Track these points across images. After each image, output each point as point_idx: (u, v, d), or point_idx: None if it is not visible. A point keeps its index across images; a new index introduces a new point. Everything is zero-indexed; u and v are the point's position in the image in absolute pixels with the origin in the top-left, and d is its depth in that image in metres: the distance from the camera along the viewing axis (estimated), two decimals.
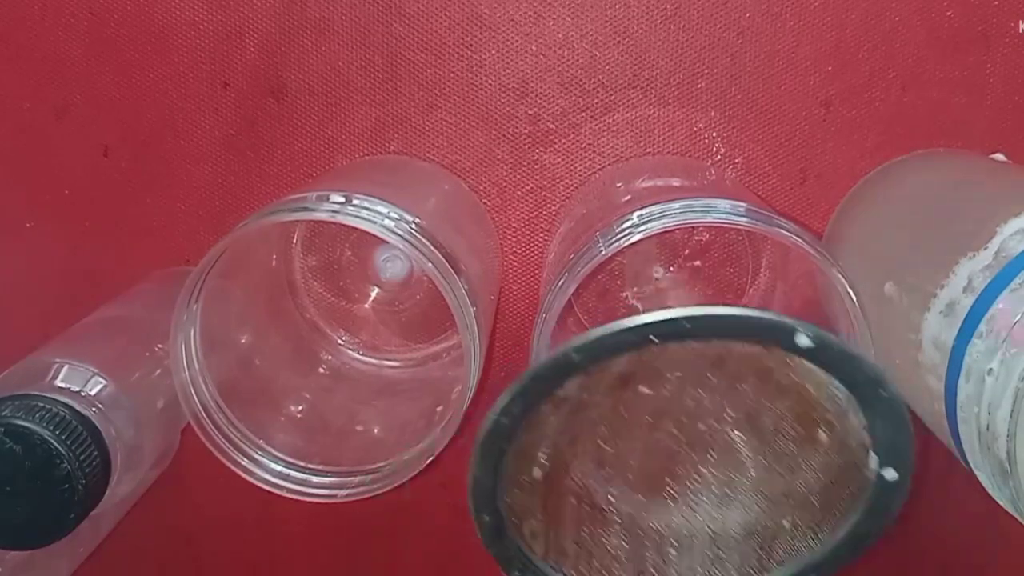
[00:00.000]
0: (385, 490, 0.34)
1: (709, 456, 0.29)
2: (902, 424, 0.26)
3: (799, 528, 0.29)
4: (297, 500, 0.35)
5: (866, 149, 0.41)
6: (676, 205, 0.31)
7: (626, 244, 0.31)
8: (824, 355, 0.26)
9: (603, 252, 0.31)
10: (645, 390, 0.29)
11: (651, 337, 0.26)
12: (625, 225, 0.31)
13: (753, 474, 0.29)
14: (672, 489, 0.30)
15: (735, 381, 0.28)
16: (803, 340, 0.25)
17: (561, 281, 0.32)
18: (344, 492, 0.35)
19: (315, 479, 0.36)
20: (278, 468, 0.35)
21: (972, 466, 0.29)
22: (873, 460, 0.27)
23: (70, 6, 0.41)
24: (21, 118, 0.42)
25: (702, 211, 0.31)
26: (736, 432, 0.29)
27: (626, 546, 0.30)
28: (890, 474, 0.27)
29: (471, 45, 0.40)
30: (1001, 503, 0.28)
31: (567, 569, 0.30)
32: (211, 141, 0.42)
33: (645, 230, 0.31)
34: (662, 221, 0.31)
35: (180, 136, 0.42)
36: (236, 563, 0.47)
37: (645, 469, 0.30)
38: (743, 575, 0.30)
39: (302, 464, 0.36)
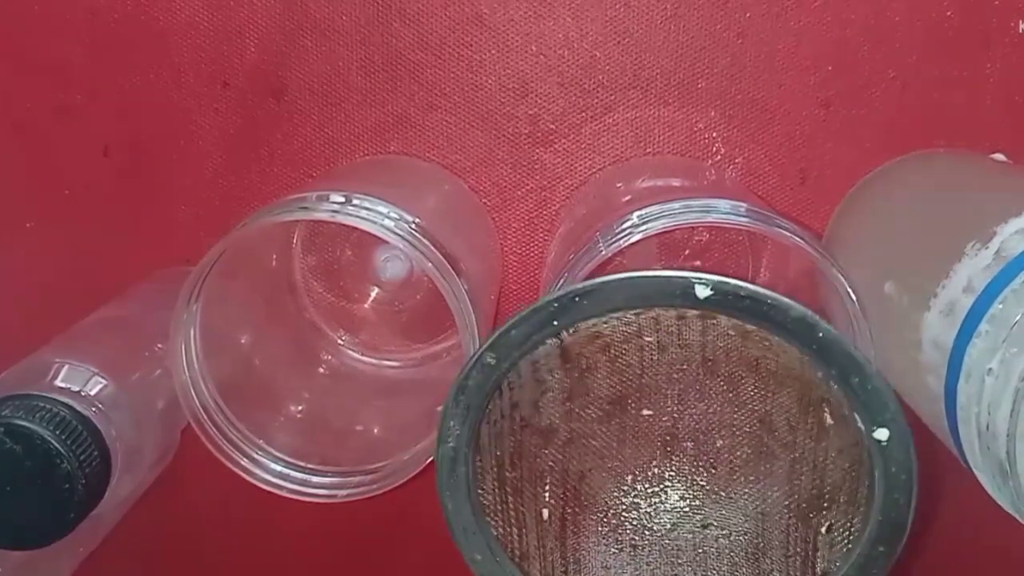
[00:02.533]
0: (385, 490, 0.34)
1: (735, 472, 0.28)
2: (859, 367, 0.23)
3: (835, 530, 0.27)
4: (297, 500, 0.35)
5: (866, 149, 0.41)
6: (676, 205, 0.31)
7: (626, 244, 0.31)
8: (735, 303, 0.24)
9: (603, 252, 0.31)
10: (647, 412, 0.27)
11: (554, 322, 0.25)
12: (625, 225, 0.31)
13: (782, 480, 0.28)
14: (703, 512, 0.28)
15: (734, 383, 0.27)
16: (702, 291, 0.25)
17: (561, 281, 0.32)
18: (344, 492, 0.35)
19: (315, 479, 0.36)
20: (278, 468, 0.36)
21: (972, 466, 0.29)
22: (861, 423, 0.25)
23: (70, 6, 0.41)
24: (21, 118, 0.42)
25: (702, 211, 0.31)
26: (756, 440, 0.27)
27: None
28: (881, 434, 0.25)
29: (471, 45, 0.40)
30: (1001, 503, 0.28)
31: None
32: (211, 141, 0.42)
33: (645, 230, 0.31)
34: (662, 221, 0.31)
35: (180, 136, 0.42)
36: (236, 563, 0.47)
37: (671, 497, 0.28)
38: None
39: (302, 464, 0.36)
